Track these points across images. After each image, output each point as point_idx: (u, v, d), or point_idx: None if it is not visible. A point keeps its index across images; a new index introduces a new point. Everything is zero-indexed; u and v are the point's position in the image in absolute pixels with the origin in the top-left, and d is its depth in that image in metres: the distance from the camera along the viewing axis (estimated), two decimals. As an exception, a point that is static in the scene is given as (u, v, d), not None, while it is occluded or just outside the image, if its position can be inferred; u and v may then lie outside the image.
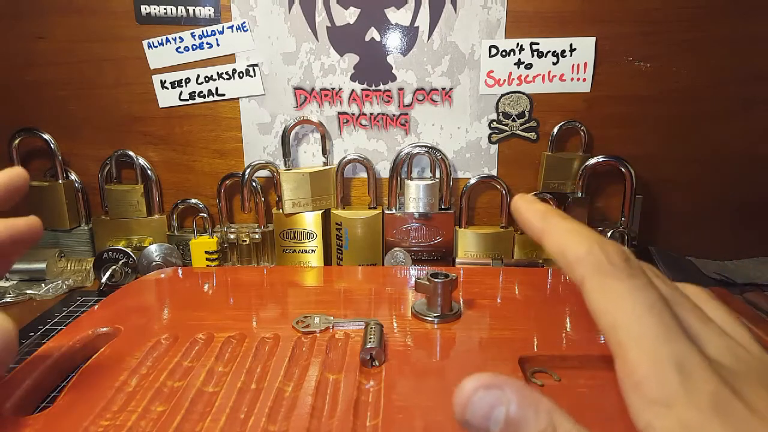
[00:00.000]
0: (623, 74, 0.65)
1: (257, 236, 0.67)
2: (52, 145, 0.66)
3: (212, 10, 0.64)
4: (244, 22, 0.64)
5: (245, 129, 0.68)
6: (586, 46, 0.64)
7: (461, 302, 0.44)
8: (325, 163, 0.68)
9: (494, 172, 0.69)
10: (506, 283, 0.51)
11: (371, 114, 0.68)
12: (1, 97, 0.67)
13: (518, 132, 0.68)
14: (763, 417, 0.15)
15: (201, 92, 0.67)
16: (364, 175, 0.69)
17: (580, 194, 0.66)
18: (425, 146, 0.66)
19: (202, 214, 0.68)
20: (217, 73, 0.66)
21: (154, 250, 0.65)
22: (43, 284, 0.60)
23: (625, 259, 0.19)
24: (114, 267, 0.62)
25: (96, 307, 0.45)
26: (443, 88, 0.66)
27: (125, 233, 0.68)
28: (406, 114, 0.67)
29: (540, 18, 0.64)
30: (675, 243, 0.71)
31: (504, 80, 0.66)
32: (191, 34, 0.65)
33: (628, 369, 0.16)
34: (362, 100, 0.67)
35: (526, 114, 0.67)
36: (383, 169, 0.69)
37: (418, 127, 0.68)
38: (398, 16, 0.64)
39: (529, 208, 0.23)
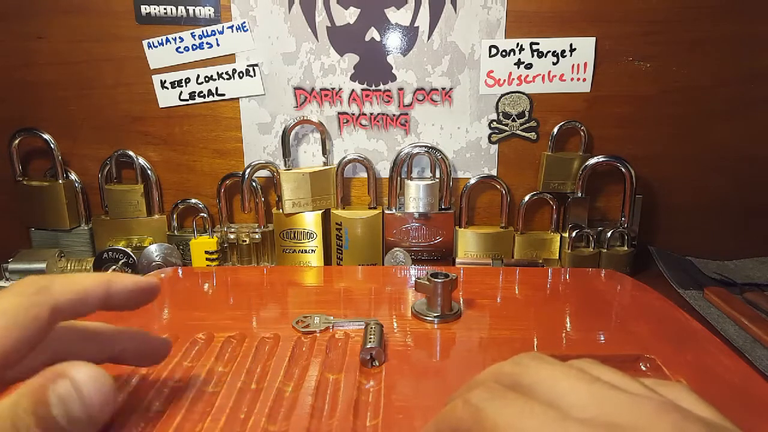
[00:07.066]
0: (623, 74, 0.65)
1: (257, 236, 0.67)
2: (52, 145, 0.66)
3: (212, 10, 0.64)
4: (244, 22, 0.64)
5: (245, 129, 0.68)
6: (586, 46, 0.64)
7: (461, 302, 0.44)
8: (325, 163, 0.68)
9: (494, 172, 0.69)
10: (506, 283, 0.51)
11: (371, 114, 0.68)
12: (1, 97, 0.67)
13: (518, 132, 0.68)
14: None
15: (201, 92, 0.67)
16: (364, 175, 0.69)
17: (580, 194, 0.66)
18: (425, 146, 0.66)
19: (202, 214, 0.68)
20: (217, 73, 0.66)
21: (154, 250, 0.65)
22: (43, 284, 0.60)
23: (495, 381, 0.20)
24: (114, 267, 0.62)
25: (96, 307, 0.45)
26: (443, 88, 0.66)
27: (125, 233, 0.68)
28: (406, 114, 0.67)
29: (540, 18, 0.64)
30: (675, 243, 0.71)
31: (504, 80, 0.66)
32: (191, 34, 0.65)
33: None
34: (362, 100, 0.67)
35: (526, 114, 0.67)
36: (383, 169, 0.69)
37: (418, 127, 0.68)
38: (398, 16, 0.64)
39: None
